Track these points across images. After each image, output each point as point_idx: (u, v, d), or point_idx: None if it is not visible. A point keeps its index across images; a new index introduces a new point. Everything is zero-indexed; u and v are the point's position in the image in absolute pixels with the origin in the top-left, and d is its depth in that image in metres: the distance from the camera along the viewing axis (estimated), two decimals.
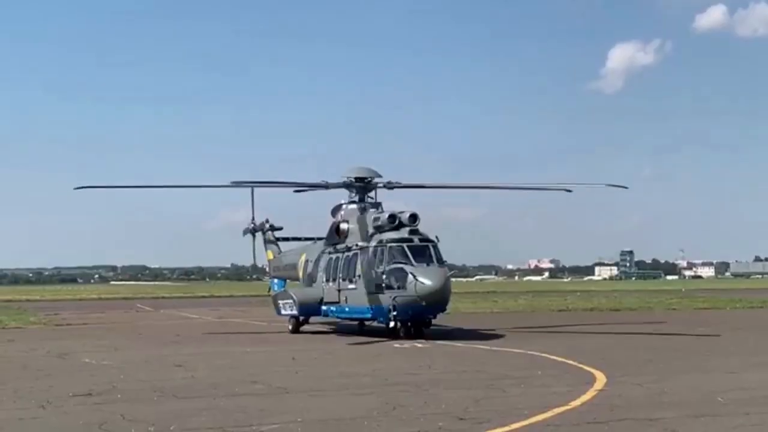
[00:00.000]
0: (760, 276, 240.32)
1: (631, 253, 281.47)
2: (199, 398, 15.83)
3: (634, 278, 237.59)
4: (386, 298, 29.35)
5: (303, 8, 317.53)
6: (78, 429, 12.48)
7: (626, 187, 40.43)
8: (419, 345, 27.13)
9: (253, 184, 37.02)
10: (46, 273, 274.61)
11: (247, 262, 43.82)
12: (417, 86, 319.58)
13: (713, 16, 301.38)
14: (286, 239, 41.01)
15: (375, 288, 29.82)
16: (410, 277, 28.75)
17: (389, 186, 34.32)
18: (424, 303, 29.07)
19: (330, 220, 34.55)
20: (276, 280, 39.86)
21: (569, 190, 38.50)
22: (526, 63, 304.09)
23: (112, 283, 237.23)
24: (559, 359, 22.15)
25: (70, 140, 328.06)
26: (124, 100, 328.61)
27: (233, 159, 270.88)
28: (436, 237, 30.71)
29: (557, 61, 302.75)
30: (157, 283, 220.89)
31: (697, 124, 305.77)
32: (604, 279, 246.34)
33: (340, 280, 32.19)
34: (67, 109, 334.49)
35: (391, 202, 33.72)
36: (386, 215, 31.26)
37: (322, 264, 33.98)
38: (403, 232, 30.24)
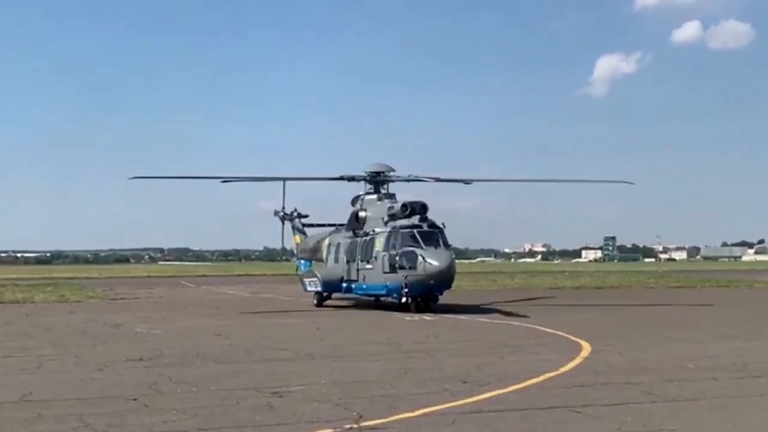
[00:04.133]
0: (726, 259, 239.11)
1: (613, 238, 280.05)
2: (235, 363, 15.91)
3: (616, 260, 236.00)
4: (399, 277, 29.38)
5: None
6: (131, 389, 12.55)
7: (633, 183, 40.06)
8: (427, 318, 27.17)
9: (285, 179, 37.49)
10: (102, 254, 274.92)
11: (278, 245, 43.83)
12: (429, 95, 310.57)
13: (688, 31, 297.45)
14: (312, 225, 41.09)
15: (389, 268, 29.84)
16: (420, 258, 28.79)
17: (403, 179, 34.39)
18: (432, 281, 29.16)
19: (350, 209, 34.65)
20: (303, 261, 39.87)
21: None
22: (527, 73, 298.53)
23: (160, 263, 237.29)
24: (550, 330, 22.18)
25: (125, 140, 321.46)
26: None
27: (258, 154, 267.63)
28: (443, 224, 30.71)
29: (557, 70, 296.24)
30: (198, 263, 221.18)
31: (673, 126, 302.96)
32: (590, 261, 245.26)
33: (359, 261, 32.20)
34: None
35: (404, 194, 33.71)
36: (399, 205, 31.29)
37: (343, 247, 34.02)
38: (414, 220, 30.25)
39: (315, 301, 34.47)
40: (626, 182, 38.40)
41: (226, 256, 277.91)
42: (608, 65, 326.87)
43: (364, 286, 32.23)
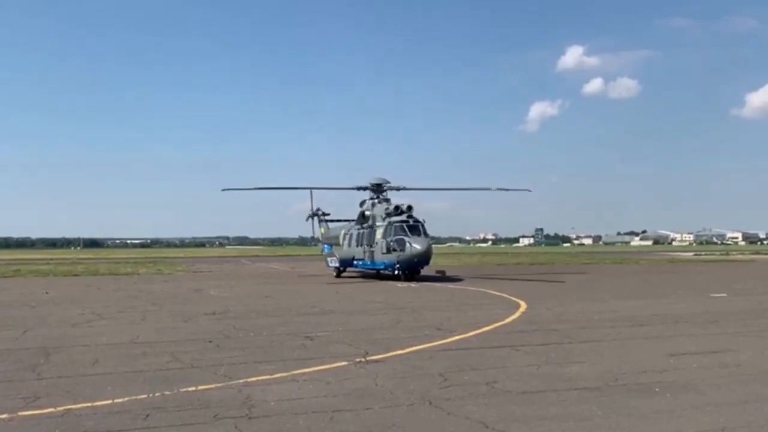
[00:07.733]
0: (620, 244, 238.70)
1: (541, 229, 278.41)
2: (280, 316, 15.87)
3: (543, 245, 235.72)
4: (393, 257, 29.43)
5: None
6: (207, 334, 12.54)
7: (530, 190, 41.46)
8: (413, 285, 27.13)
9: (312, 188, 37.60)
10: (186, 240, 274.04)
11: (309, 234, 43.62)
12: (426, 129, 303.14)
13: (594, 85, 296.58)
14: (332, 220, 40.97)
15: (386, 250, 29.87)
16: (407, 244, 28.90)
17: (396, 188, 34.32)
18: (415, 260, 29.25)
19: (359, 209, 34.60)
20: (326, 246, 39.77)
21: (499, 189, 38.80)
22: (480, 113, 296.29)
23: (227, 247, 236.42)
24: (498, 293, 22.15)
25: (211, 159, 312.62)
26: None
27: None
28: (423, 219, 30.78)
29: (502, 112, 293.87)
30: (253, 246, 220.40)
31: (584, 151, 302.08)
32: (525, 245, 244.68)
33: (365, 246, 32.19)
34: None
35: (397, 198, 33.65)
36: (393, 206, 31.29)
37: (354, 236, 33.99)
38: (404, 216, 30.30)
39: (335, 274, 34.45)
40: (525, 189, 40.10)
41: (272, 242, 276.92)
42: (539, 109, 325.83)
43: (369, 263, 32.17)
